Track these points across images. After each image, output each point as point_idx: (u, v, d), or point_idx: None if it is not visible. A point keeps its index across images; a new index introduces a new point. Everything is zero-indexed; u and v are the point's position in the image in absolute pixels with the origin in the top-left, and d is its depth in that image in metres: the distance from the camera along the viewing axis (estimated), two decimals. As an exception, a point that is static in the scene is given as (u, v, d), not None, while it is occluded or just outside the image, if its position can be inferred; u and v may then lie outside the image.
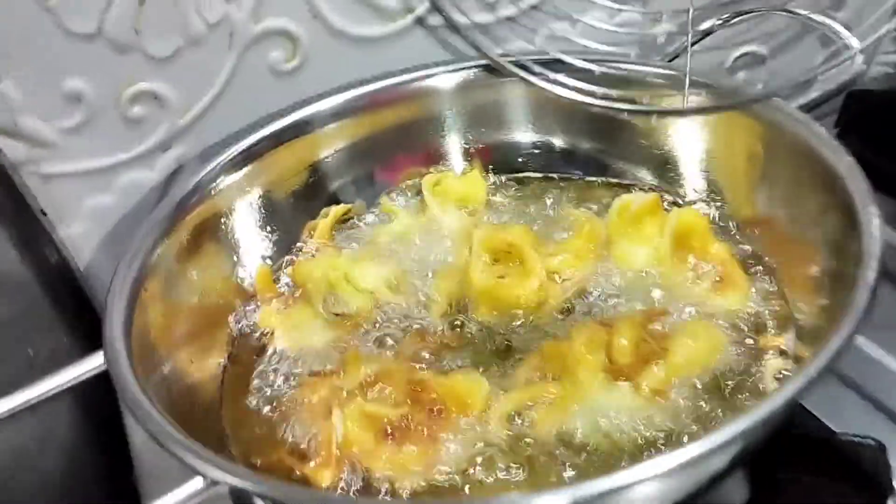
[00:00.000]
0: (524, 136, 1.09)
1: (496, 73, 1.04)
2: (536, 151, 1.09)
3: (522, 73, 1.02)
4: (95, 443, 1.00)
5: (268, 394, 0.86)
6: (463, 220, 1.01)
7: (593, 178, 1.07)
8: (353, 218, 1.05)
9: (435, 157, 1.09)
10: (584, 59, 1.01)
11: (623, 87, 1.00)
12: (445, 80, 1.05)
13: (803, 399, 0.65)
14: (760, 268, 0.91)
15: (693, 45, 1.03)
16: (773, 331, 0.84)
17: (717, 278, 0.89)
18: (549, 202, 1.04)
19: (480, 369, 0.84)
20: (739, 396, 0.79)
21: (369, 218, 1.05)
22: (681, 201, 1.02)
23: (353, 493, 0.75)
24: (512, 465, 0.76)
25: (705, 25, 1.02)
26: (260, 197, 0.99)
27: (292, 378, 0.87)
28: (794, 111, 0.91)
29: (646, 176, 1.05)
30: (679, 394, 0.78)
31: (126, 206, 1.01)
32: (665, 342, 0.80)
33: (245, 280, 0.97)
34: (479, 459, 0.76)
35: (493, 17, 1.04)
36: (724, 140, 0.99)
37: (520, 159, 1.09)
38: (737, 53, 1.17)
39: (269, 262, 0.99)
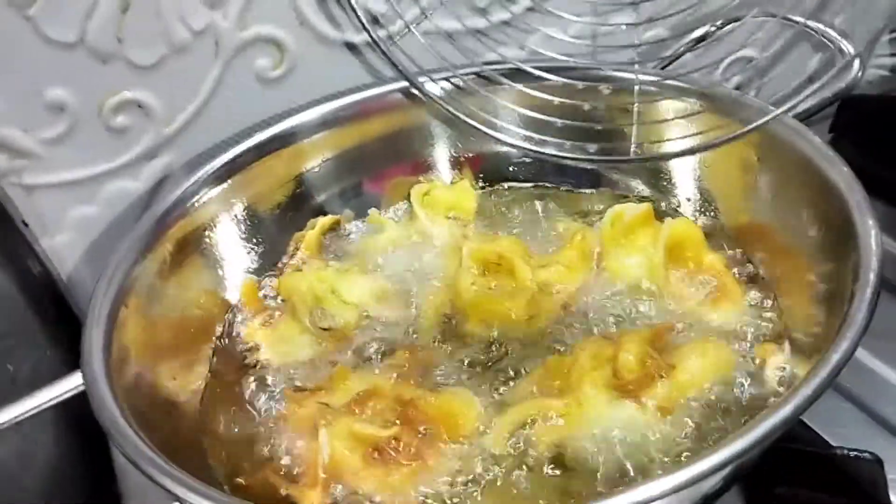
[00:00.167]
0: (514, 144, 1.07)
1: (485, 81, 1.03)
2: (527, 161, 1.07)
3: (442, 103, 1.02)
4: (79, 459, 0.98)
5: (252, 410, 0.85)
6: (452, 231, 1.00)
7: (585, 189, 1.06)
8: (340, 229, 1.04)
9: (423, 167, 1.08)
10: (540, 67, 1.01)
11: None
12: (434, 88, 1.03)
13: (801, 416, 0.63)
14: (755, 279, 0.90)
15: (687, 51, 1.03)
16: (769, 343, 0.83)
17: (712, 290, 0.88)
18: (539, 212, 1.04)
19: (472, 385, 0.83)
20: (735, 411, 0.78)
21: (357, 229, 1.04)
22: (674, 211, 1.01)
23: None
24: (507, 483, 0.75)
25: (699, 32, 1.02)
26: (244, 209, 0.98)
27: (278, 394, 0.86)
28: (788, 120, 0.90)
29: (638, 186, 1.04)
30: (684, 411, 0.77)
31: (110, 216, 1.00)
32: (671, 358, 0.79)
33: (230, 294, 0.96)
34: (469, 481, 0.75)
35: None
36: (718, 149, 0.97)
37: (510, 168, 1.08)
38: (730, 58, 1.16)
39: (254, 275, 0.98)
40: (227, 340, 0.92)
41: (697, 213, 1.00)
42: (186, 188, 0.93)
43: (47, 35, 0.87)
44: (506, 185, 1.08)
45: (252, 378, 0.88)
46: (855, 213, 0.77)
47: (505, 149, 1.06)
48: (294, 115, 1.01)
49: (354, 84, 1.03)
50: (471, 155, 1.08)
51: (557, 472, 0.75)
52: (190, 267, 0.93)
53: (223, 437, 0.84)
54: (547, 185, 1.07)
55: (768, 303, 0.87)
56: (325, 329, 0.90)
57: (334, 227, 1.03)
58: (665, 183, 1.02)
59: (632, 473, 0.74)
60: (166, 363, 0.85)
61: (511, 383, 0.83)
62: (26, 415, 0.73)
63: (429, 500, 0.74)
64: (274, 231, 1.00)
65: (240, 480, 0.79)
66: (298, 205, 1.02)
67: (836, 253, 0.79)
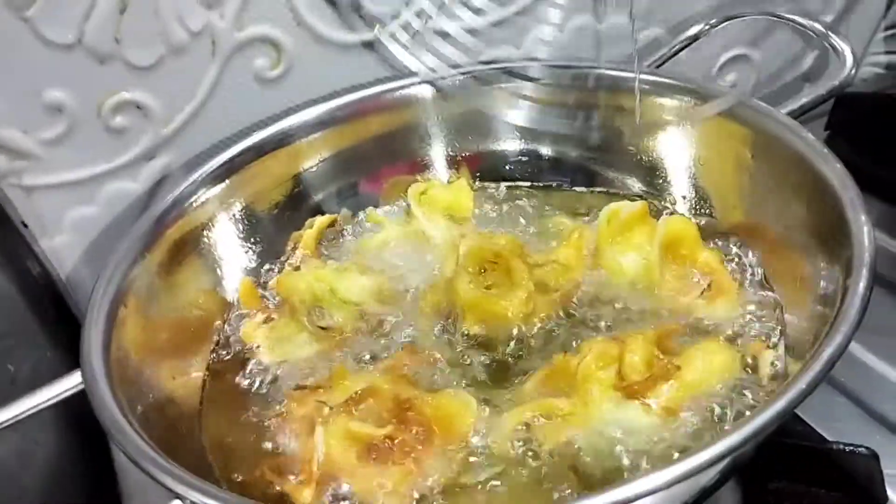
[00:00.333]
0: (511, 144, 1.08)
1: (482, 80, 1.04)
2: (524, 160, 1.08)
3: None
4: (78, 458, 0.99)
5: (250, 408, 0.85)
6: (450, 230, 1.00)
7: (581, 187, 1.07)
8: (338, 229, 1.04)
9: (421, 166, 1.08)
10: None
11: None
12: (431, 88, 1.04)
13: (795, 409, 0.64)
14: (750, 275, 0.91)
15: (682, 49, 1.03)
16: (764, 339, 0.83)
17: (707, 286, 0.88)
18: (536, 211, 1.04)
19: (473, 385, 0.83)
20: (734, 409, 0.77)
21: (354, 229, 1.04)
22: (670, 209, 1.01)
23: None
24: (507, 481, 0.76)
25: (694, 30, 1.02)
26: (242, 209, 0.99)
27: (276, 392, 0.86)
28: (783, 117, 0.91)
29: (634, 184, 1.04)
30: (690, 412, 0.77)
31: (109, 216, 1.00)
32: (677, 359, 0.79)
33: (228, 293, 0.96)
34: (464, 483, 0.75)
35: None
36: (713, 147, 0.98)
37: (507, 167, 1.09)
38: (725, 56, 1.16)
39: (252, 275, 0.98)
40: (225, 340, 0.93)
41: (693, 211, 1.00)
42: (184, 188, 0.94)
43: (46, 36, 0.87)
44: (502, 184, 1.08)
45: (250, 377, 0.88)
46: (848, 210, 0.78)
47: (501, 148, 1.08)
48: (292, 114, 1.01)
49: (352, 84, 1.03)
50: (468, 154, 1.08)
51: (561, 470, 0.75)
52: (188, 267, 0.93)
53: (222, 434, 0.84)
54: (543, 183, 1.08)
55: (763, 299, 0.87)
56: (323, 328, 0.90)
57: (332, 227, 1.03)
58: (660, 181, 1.02)
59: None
60: (165, 362, 0.86)
61: (511, 383, 0.83)
62: (26, 414, 0.74)
63: (423, 501, 0.74)
64: (272, 231, 1.01)
65: (237, 476, 0.79)
66: (296, 204, 1.03)
67: (830, 249, 0.79)
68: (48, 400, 0.75)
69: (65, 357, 0.97)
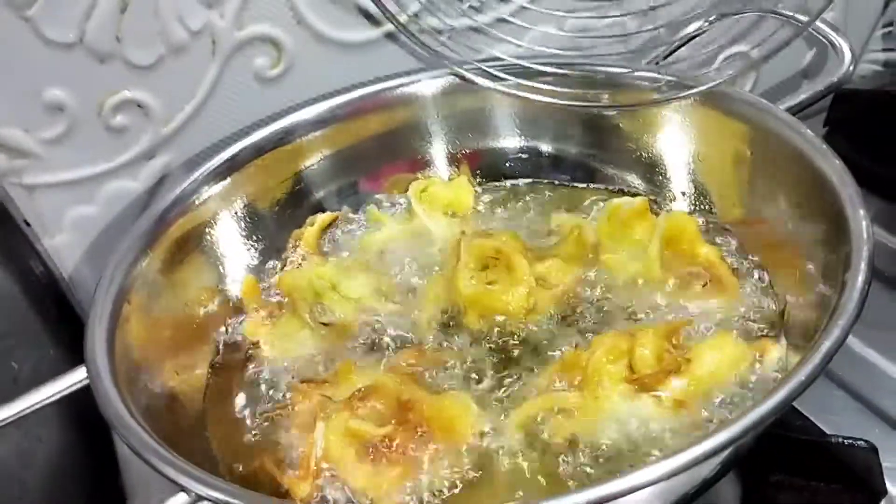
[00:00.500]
0: (511, 141, 1.08)
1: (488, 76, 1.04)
2: (524, 157, 1.08)
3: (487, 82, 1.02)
4: (81, 455, 0.99)
5: (253, 403, 0.86)
6: (450, 227, 1.00)
7: (581, 184, 1.07)
8: (339, 226, 1.04)
9: (421, 164, 1.08)
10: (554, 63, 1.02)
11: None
12: (430, 86, 1.05)
13: (795, 401, 0.64)
14: (750, 270, 0.91)
15: (680, 47, 1.03)
16: (764, 333, 0.84)
17: (707, 281, 0.88)
18: (536, 208, 1.04)
19: (477, 381, 0.84)
20: (739, 402, 0.78)
21: (355, 226, 1.04)
22: (669, 205, 1.01)
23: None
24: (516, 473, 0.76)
25: (692, 28, 1.02)
26: (244, 207, 0.99)
27: (278, 388, 0.86)
28: (781, 114, 0.91)
29: (634, 180, 1.05)
30: (700, 405, 0.77)
31: (110, 215, 1.00)
32: (688, 353, 0.79)
33: (230, 291, 0.97)
34: (459, 484, 0.75)
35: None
36: (712, 143, 0.98)
37: (507, 165, 1.09)
38: (724, 55, 1.16)
39: (254, 272, 0.99)
40: (228, 337, 0.93)
41: (692, 207, 1.00)
42: (187, 186, 0.94)
43: (46, 35, 0.87)
44: (502, 181, 1.09)
45: (253, 374, 0.89)
46: (847, 205, 0.78)
47: (502, 145, 1.08)
48: (293, 112, 1.02)
49: (352, 82, 1.04)
50: (468, 151, 1.09)
51: (570, 463, 0.76)
52: (190, 264, 0.93)
53: (225, 429, 0.85)
54: (543, 180, 1.08)
55: (763, 294, 0.88)
56: (325, 324, 0.90)
57: (332, 224, 1.04)
58: (660, 177, 1.02)
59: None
60: (169, 359, 0.86)
61: (513, 379, 0.84)
62: (30, 410, 0.74)
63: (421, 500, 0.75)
64: (273, 228, 1.01)
65: (238, 467, 0.80)
66: (298, 202, 1.03)
67: (828, 244, 0.80)
68: (51, 396, 0.75)
69: (67, 356, 0.97)
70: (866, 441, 0.80)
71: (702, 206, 1.00)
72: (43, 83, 0.90)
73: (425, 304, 0.91)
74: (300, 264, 0.97)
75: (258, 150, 0.99)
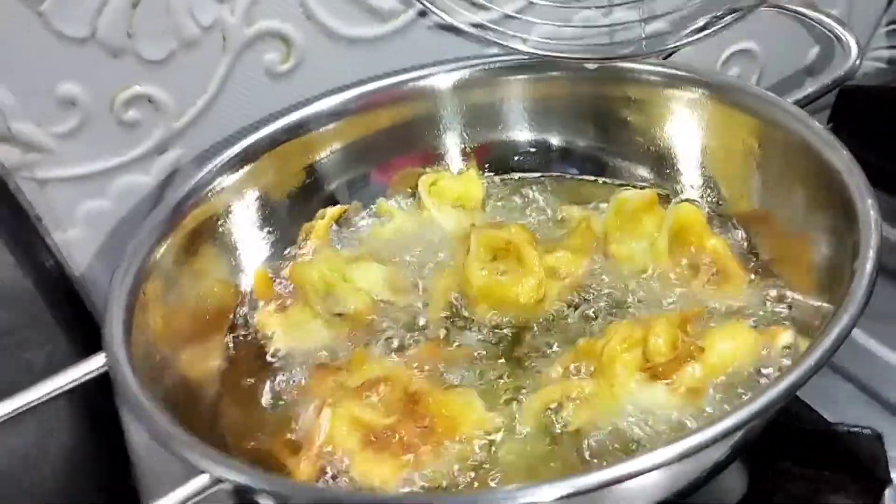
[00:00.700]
0: (520, 134, 1.09)
1: (493, 72, 1.05)
2: (533, 150, 1.09)
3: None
4: (94, 447, 0.99)
5: (265, 391, 0.87)
6: (460, 220, 1.01)
7: (590, 176, 1.08)
8: (349, 219, 1.05)
9: (431, 157, 1.09)
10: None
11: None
12: (441, 80, 1.06)
13: (802, 389, 0.65)
14: (758, 262, 0.92)
15: (688, 43, 1.04)
16: (772, 324, 0.84)
17: (715, 273, 0.89)
18: (545, 200, 1.05)
19: (488, 376, 0.85)
20: (747, 391, 0.78)
21: (366, 219, 1.05)
22: (678, 197, 1.02)
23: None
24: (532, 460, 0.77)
25: (699, 23, 1.03)
26: (257, 199, 0.99)
27: (290, 376, 0.87)
28: (789, 106, 0.92)
29: (642, 173, 1.05)
30: (714, 392, 0.78)
31: (121, 210, 1.00)
32: (702, 342, 0.80)
33: (243, 282, 0.97)
34: (459, 478, 0.76)
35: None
36: (720, 136, 0.99)
37: (516, 158, 1.10)
38: (730, 50, 1.17)
39: (266, 263, 0.99)
40: (240, 327, 0.94)
41: (701, 200, 1.01)
42: (200, 177, 0.95)
43: (59, 30, 0.87)
44: (512, 174, 1.09)
45: (266, 363, 0.89)
46: (855, 195, 0.79)
47: (511, 138, 1.09)
48: (308, 105, 1.02)
49: (361, 78, 1.04)
50: (478, 145, 1.09)
51: (583, 449, 0.77)
52: (204, 255, 0.94)
53: (238, 416, 0.85)
54: (552, 174, 1.09)
55: (772, 285, 0.89)
56: (336, 315, 0.91)
57: (343, 217, 1.04)
58: (669, 170, 1.03)
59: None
60: (183, 349, 0.87)
61: (524, 369, 0.85)
62: (48, 397, 0.74)
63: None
64: (285, 220, 1.02)
65: (250, 444, 0.81)
66: (309, 194, 1.04)
67: (836, 234, 0.80)
68: (70, 383, 0.76)
69: (79, 349, 0.96)
70: (872, 429, 0.81)
71: (710, 199, 1.00)
72: (55, 78, 0.90)
73: (435, 294, 0.92)
74: (311, 256, 0.98)
75: (272, 142, 1.00)
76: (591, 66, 1.03)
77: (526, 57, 1.04)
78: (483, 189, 1.05)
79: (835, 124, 1.21)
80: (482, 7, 1.02)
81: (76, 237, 0.99)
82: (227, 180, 0.96)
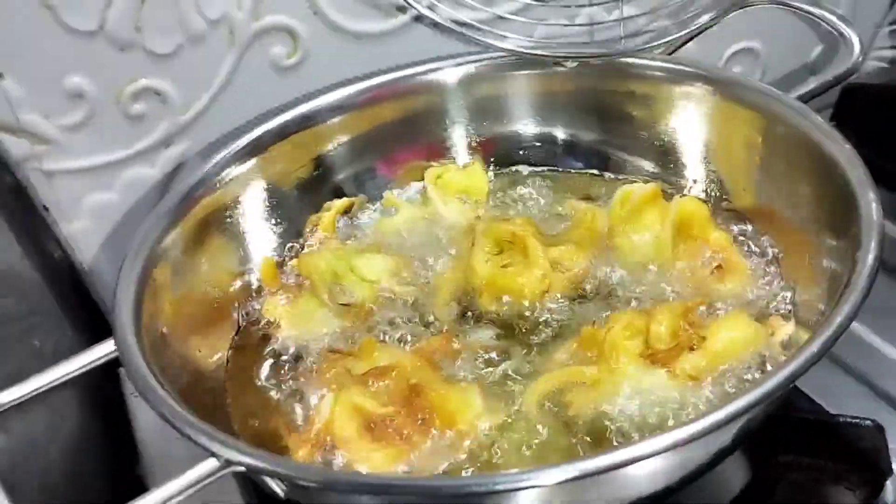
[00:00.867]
0: (526, 129, 1.10)
1: (499, 66, 1.06)
2: (538, 144, 1.10)
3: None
4: (101, 435, 1.00)
5: (272, 380, 0.88)
6: (465, 213, 1.02)
7: (594, 170, 1.09)
8: (355, 211, 1.05)
9: (437, 151, 1.09)
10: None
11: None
12: (448, 75, 1.06)
13: (803, 378, 0.65)
14: (760, 254, 0.92)
15: (691, 39, 1.05)
16: (775, 316, 0.85)
17: (718, 265, 0.90)
18: (550, 194, 1.06)
19: (493, 367, 0.85)
20: (748, 381, 0.79)
21: (372, 211, 1.06)
22: (682, 191, 1.03)
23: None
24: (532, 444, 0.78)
25: (702, 20, 1.03)
26: (265, 189, 1.00)
27: (296, 364, 0.88)
28: (791, 101, 0.93)
29: (647, 167, 1.06)
30: (714, 381, 0.78)
31: (127, 202, 1.01)
32: (703, 331, 0.80)
33: (250, 271, 0.98)
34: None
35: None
36: (723, 130, 1.00)
37: (521, 152, 1.10)
38: (733, 49, 1.18)
39: (274, 253, 1.00)
40: (248, 316, 0.94)
41: (704, 193, 1.02)
42: (210, 167, 0.96)
43: (68, 24, 0.88)
44: (516, 168, 1.10)
45: (272, 352, 0.90)
46: (856, 187, 0.80)
47: (517, 132, 1.10)
48: (316, 97, 1.03)
49: (366, 72, 1.05)
50: (483, 139, 1.10)
51: (584, 435, 0.78)
52: (212, 244, 0.95)
53: (243, 403, 0.86)
54: (557, 167, 1.09)
55: (774, 277, 0.89)
56: (343, 305, 0.91)
57: (349, 210, 1.05)
58: (672, 164, 1.04)
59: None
60: (191, 336, 0.87)
61: (528, 360, 0.85)
62: (59, 381, 0.75)
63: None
64: (293, 210, 1.02)
65: (252, 431, 0.82)
66: (316, 186, 1.04)
67: (839, 226, 0.81)
68: (78, 369, 0.76)
69: (85, 338, 0.97)
70: (872, 420, 0.81)
71: (713, 192, 1.01)
72: (64, 70, 0.91)
73: (441, 286, 0.93)
74: (318, 247, 0.99)
75: (281, 134, 1.00)
76: (569, 63, 1.05)
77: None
78: (488, 182, 1.06)
79: (837, 122, 1.21)
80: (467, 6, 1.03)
81: (83, 228, 1.00)
82: (236, 171, 0.97)
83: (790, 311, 0.85)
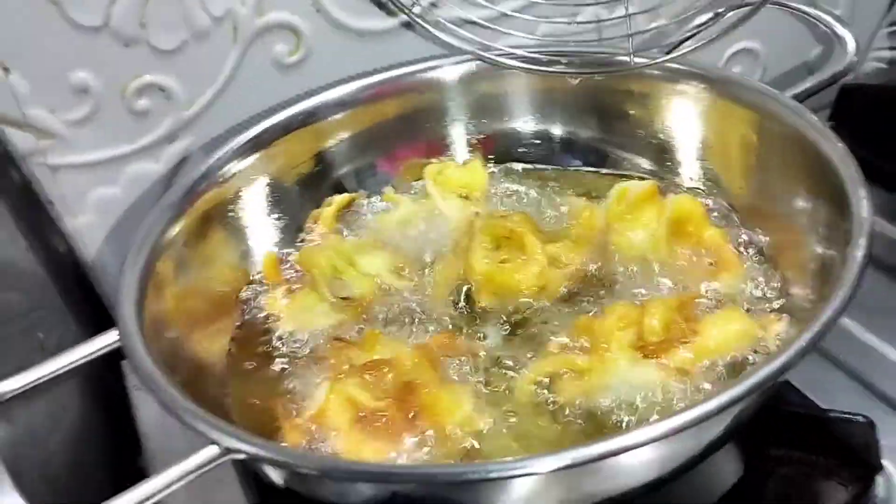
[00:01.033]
0: (525, 126, 1.11)
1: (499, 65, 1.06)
2: (536, 141, 1.11)
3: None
4: (103, 426, 1.01)
5: (272, 372, 0.88)
6: (464, 209, 1.03)
7: (592, 168, 1.10)
8: (356, 207, 1.06)
9: (437, 147, 1.11)
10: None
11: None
12: (449, 72, 1.07)
13: (796, 373, 0.66)
14: (755, 252, 0.93)
15: (687, 40, 1.05)
16: (768, 312, 0.86)
17: (712, 262, 0.91)
18: (548, 191, 1.07)
19: (489, 364, 0.86)
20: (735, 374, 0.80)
21: (372, 206, 1.07)
22: (677, 189, 1.03)
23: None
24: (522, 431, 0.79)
25: (701, 19, 1.04)
26: (267, 184, 1.01)
27: (296, 357, 0.89)
28: (787, 100, 0.94)
29: (643, 164, 1.07)
30: (704, 375, 0.79)
31: (131, 197, 1.01)
32: (696, 325, 0.81)
33: (252, 265, 0.99)
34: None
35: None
36: (720, 129, 1.01)
37: (520, 149, 1.11)
38: (732, 49, 1.18)
39: (275, 247, 1.01)
40: (249, 310, 0.95)
41: (699, 190, 1.03)
42: (213, 162, 0.97)
43: (73, 19, 0.89)
44: (515, 165, 1.11)
45: (273, 345, 0.91)
46: (848, 185, 0.81)
47: (516, 130, 1.11)
48: (318, 93, 1.04)
49: (366, 70, 1.06)
50: (482, 136, 1.11)
51: (579, 422, 0.79)
52: (215, 238, 0.95)
53: (244, 394, 0.87)
54: (555, 165, 1.11)
55: (768, 274, 0.90)
56: (343, 299, 0.92)
57: (349, 205, 1.06)
58: (669, 162, 1.05)
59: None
60: (192, 328, 0.88)
61: (524, 354, 0.86)
62: (62, 370, 0.75)
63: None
64: (294, 205, 1.03)
65: (251, 422, 0.82)
66: (317, 181, 1.05)
67: (831, 223, 0.82)
68: (80, 359, 0.77)
69: (88, 332, 0.97)
70: (864, 416, 0.82)
71: (709, 190, 1.02)
72: (69, 65, 0.91)
73: (439, 281, 0.94)
74: (319, 242, 1.00)
75: (283, 130, 1.01)
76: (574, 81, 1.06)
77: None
78: (487, 179, 1.07)
79: (835, 123, 1.21)
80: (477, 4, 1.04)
81: (87, 223, 1.00)
82: (238, 166, 0.98)
83: (783, 307, 0.86)
